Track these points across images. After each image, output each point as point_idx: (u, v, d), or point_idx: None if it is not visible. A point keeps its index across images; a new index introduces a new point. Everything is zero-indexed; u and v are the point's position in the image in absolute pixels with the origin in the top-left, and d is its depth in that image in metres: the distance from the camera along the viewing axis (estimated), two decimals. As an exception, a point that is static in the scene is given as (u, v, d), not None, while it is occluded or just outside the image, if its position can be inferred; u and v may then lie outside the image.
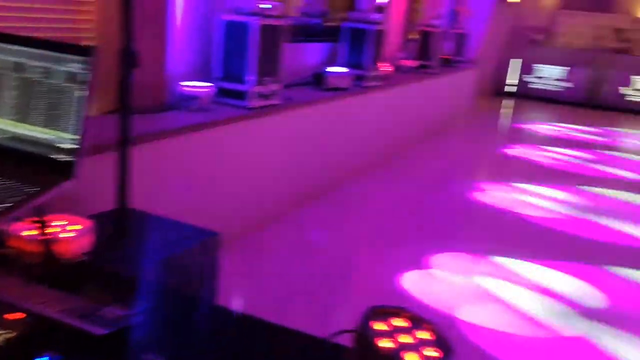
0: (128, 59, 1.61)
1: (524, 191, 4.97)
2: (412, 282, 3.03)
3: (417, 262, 3.27)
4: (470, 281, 3.13)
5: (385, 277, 3.07)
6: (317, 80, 4.33)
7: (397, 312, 1.10)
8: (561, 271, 3.36)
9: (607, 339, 2.67)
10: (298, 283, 2.94)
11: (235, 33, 3.21)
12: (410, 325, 1.08)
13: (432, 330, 1.07)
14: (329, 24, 5.04)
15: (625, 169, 6.20)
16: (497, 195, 4.82)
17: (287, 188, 3.77)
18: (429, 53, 6.65)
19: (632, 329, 2.78)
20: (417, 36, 6.75)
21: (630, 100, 10.42)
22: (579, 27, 11.54)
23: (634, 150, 7.43)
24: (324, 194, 4.21)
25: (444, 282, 3.10)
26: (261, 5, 3.20)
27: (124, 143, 1.66)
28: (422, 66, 6.58)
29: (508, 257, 3.45)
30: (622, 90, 10.46)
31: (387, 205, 4.37)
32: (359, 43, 4.73)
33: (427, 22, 6.75)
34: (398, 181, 4.99)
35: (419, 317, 1.09)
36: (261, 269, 3.07)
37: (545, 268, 3.38)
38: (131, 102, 1.63)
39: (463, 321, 2.70)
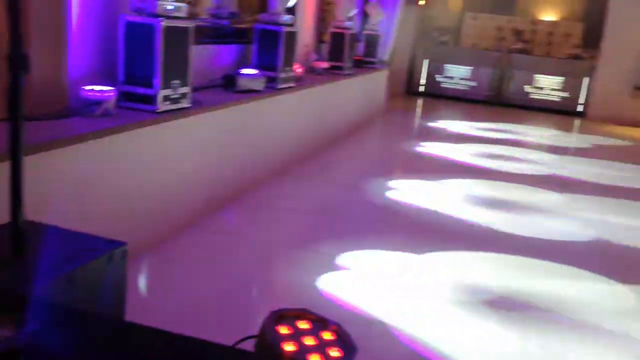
0: (17, 63, 1.52)
1: (434, 187, 5.15)
2: (327, 283, 3.05)
3: (332, 263, 3.30)
4: (385, 279, 3.20)
5: (300, 279, 3.08)
6: (228, 82, 4.28)
7: (301, 315, 1.10)
8: (472, 262, 3.51)
9: (518, 325, 2.81)
10: (211, 290, 2.89)
11: (138, 35, 3.10)
12: (314, 327, 1.09)
13: (335, 330, 1.07)
14: (239, 25, 5.00)
15: (526, 163, 6.56)
16: (409, 192, 4.95)
17: (201, 193, 3.70)
18: (341, 54, 6.74)
19: (540, 314, 2.95)
20: (329, 38, 6.83)
21: (533, 98, 11.05)
22: (482, 28, 12.11)
23: (534, 146, 7.87)
24: (239, 198, 4.16)
25: (358, 281, 3.15)
26: (166, 7, 3.12)
27: (15, 152, 1.56)
28: (335, 67, 6.67)
29: (420, 252, 3.56)
30: (527, 88, 11.07)
31: (302, 206, 4.39)
32: (271, 45, 4.72)
33: (339, 24, 6.85)
34: (312, 182, 5.02)
35: (322, 319, 1.10)
36: (172, 277, 2.99)
37: (458, 260, 3.51)
38: (22, 108, 1.54)
39: (379, 320, 2.75)
